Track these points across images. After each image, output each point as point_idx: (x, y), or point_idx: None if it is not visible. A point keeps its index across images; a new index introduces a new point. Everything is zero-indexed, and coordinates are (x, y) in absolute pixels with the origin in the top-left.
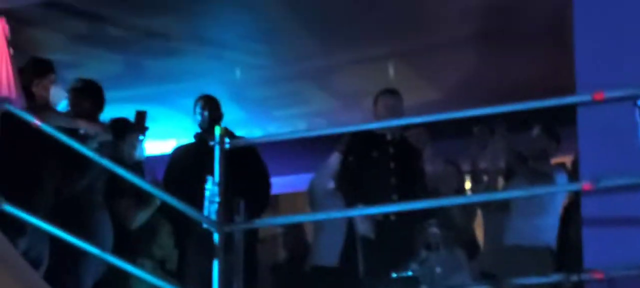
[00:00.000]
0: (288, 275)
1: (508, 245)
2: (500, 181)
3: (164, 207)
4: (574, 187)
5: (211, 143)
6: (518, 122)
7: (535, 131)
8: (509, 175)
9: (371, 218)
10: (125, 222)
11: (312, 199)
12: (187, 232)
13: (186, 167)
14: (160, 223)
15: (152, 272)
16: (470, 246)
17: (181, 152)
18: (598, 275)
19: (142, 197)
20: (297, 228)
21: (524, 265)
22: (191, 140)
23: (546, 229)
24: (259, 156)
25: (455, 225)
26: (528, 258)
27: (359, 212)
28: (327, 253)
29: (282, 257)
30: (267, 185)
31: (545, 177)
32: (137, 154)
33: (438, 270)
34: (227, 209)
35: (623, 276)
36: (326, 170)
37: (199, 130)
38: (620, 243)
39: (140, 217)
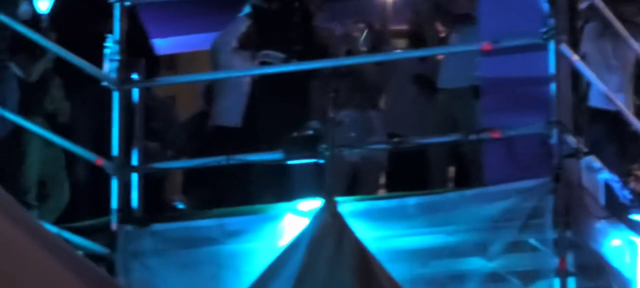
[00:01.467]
0: (190, 135)
1: None
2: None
3: (57, 60)
4: (474, 47)
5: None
6: None
7: None
8: None
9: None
10: (24, 75)
11: (214, 58)
12: (80, 85)
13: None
14: (50, 76)
15: (43, 127)
16: None
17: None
18: (495, 135)
19: (36, 50)
20: (197, 88)
21: None
22: None
23: None
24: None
25: (368, 84)
26: None
27: (261, 70)
28: (228, 114)
29: (183, 117)
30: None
31: None
32: (30, 8)
33: (352, 134)
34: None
35: (520, 135)
36: (231, 31)
37: None
38: (517, 102)
39: (37, 69)
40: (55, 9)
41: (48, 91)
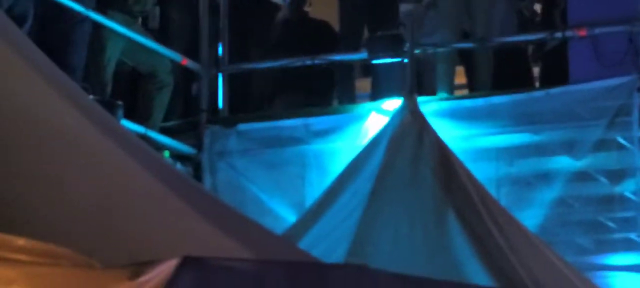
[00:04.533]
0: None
1: None
2: None
3: None
4: None
5: None
6: None
7: None
8: None
9: None
10: None
11: None
12: None
13: None
14: None
15: (126, 25)
16: None
17: None
18: (581, 32)
19: None
20: None
21: None
22: None
23: None
24: None
25: None
26: None
27: None
28: None
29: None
30: None
31: None
32: None
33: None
34: None
35: (605, 33)
36: None
37: None
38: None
39: None
40: None
41: None
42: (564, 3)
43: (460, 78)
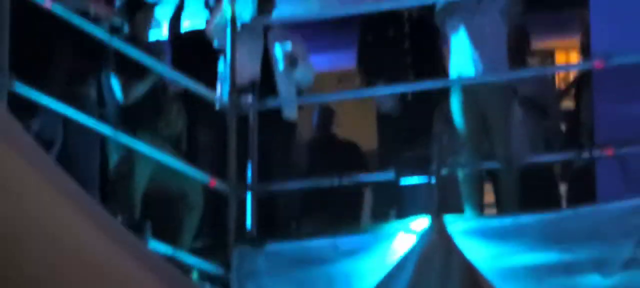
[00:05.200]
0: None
1: None
2: None
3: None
4: (587, 65)
5: (222, 24)
6: None
7: None
8: None
9: (392, 96)
10: (123, 95)
11: None
12: (198, 111)
13: (198, 49)
14: (168, 100)
15: (155, 146)
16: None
17: (194, 34)
18: (609, 152)
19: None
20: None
21: None
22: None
23: None
24: None
25: None
26: None
27: (380, 90)
28: None
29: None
30: None
31: None
32: (150, 31)
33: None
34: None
35: (633, 152)
36: None
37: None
38: (631, 120)
39: (137, 90)
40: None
41: (161, 113)
42: (590, 122)
43: (490, 196)
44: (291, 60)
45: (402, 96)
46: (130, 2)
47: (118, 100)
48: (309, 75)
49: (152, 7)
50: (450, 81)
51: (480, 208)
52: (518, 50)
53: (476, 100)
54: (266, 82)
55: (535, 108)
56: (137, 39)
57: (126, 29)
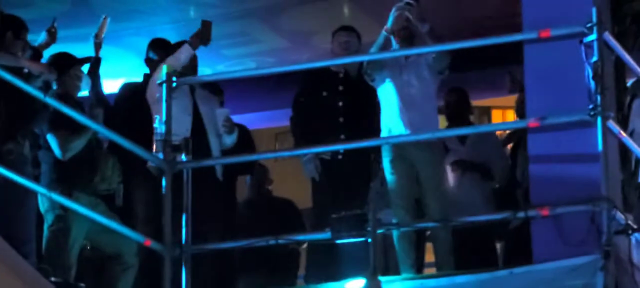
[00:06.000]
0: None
1: None
2: None
3: (111, 144)
4: (521, 124)
5: (158, 82)
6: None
7: None
8: None
9: (319, 158)
10: (60, 151)
11: None
12: (133, 167)
13: (133, 106)
14: (103, 155)
15: (91, 206)
16: None
17: (129, 90)
18: (544, 212)
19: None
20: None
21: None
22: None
23: None
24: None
25: None
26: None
27: (310, 150)
28: None
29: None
30: None
31: None
32: (82, 87)
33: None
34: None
35: (568, 212)
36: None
37: (148, 71)
38: (565, 179)
39: (74, 146)
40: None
41: (97, 169)
42: (526, 183)
43: (430, 256)
44: (230, 128)
45: (333, 155)
46: (57, 60)
47: (53, 157)
48: (234, 137)
49: (80, 63)
50: (380, 140)
51: (418, 268)
52: (457, 108)
53: (406, 158)
54: (197, 141)
55: (476, 168)
56: (68, 95)
57: (54, 86)
